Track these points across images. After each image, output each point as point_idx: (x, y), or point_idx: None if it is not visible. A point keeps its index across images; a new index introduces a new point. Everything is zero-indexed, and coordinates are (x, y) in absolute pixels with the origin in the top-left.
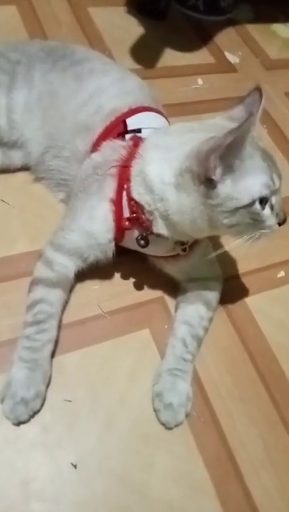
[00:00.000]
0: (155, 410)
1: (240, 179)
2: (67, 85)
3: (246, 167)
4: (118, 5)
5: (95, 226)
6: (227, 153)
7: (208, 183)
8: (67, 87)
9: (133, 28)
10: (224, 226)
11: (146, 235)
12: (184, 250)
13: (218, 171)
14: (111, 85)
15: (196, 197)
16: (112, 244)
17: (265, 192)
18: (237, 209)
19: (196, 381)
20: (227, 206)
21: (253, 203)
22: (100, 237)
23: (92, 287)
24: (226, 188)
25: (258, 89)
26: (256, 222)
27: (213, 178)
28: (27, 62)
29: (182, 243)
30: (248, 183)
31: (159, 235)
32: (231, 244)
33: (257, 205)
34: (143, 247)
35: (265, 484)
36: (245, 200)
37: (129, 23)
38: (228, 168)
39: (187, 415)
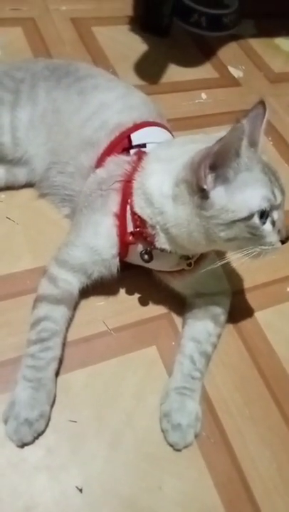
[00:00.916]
0: (163, 431)
1: (237, 191)
2: (71, 101)
3: (244, 179)
4: (121, 23)
5: (99, 242)
6: (217, 162)
7: (202, 193)
8: (72, 103)
9: (136, 45)
10: (221, 239)
11: (150, 250)
12: (189, 265)
13: (209, 179)
14: (115, 101)
15: (191, 208)
16: (117, 260)
17: (264, 205)
18: (234, 222)
19: (205, 399)
20: (223, 218)
21: (251, 216)
22: (104, 252)
23: (96, 304)
24: (220, 199)
25: (262, 103)
26: (256, 237)
27: (204, 187)
28: (31, 80)
29: (187, 258)
30: (245, 196)
31: (162, 250)
32: (231, 258)
33: (256, 219)
34: (147, 261)
35: (279, 508)
36: (243, 213)
37: (133, 40)
38: (222, 179)
39: (196, 436)
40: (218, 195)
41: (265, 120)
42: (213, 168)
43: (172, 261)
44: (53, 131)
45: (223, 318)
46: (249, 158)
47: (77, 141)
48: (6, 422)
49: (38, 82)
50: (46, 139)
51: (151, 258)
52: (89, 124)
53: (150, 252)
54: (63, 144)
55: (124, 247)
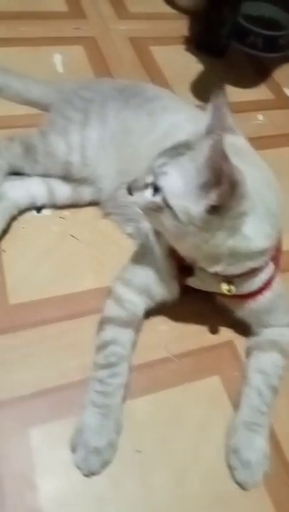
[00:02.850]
0: (231, 467)
1: None
2: (141, 122)
3: None
4: (178, 43)
5: (160, 262)
6: None
7: None
8: (142, 124)
9: (192, 65)
10: None
11: (191, 265)
12: (229, 291)
13: None
14: (185, 122)
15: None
16: (176, 282)
17: None
18: None
19: (272, 436)
20: None
21: None
22: (164, 273)
23: (159, 328)
24: None
25: (220, 91)
26: None
27: None
28: (100, 100)
29: (229, 282)
30: None
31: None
32: None
33: None
34: (186, 276)
35: None
36: None
37: (189, 60)
38: None
39: (265, 475)
40: None
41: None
42: None
43: (210, 281)
44: (123, 152)
45: None
46: None
47: (148, 161)
48: (74, 449)
49: (107, 102)
50: (116, 160)
51: (191, 273)
52: (160, 146)
53: (190, 267)
54: (134, 165)
55: (180, 267)
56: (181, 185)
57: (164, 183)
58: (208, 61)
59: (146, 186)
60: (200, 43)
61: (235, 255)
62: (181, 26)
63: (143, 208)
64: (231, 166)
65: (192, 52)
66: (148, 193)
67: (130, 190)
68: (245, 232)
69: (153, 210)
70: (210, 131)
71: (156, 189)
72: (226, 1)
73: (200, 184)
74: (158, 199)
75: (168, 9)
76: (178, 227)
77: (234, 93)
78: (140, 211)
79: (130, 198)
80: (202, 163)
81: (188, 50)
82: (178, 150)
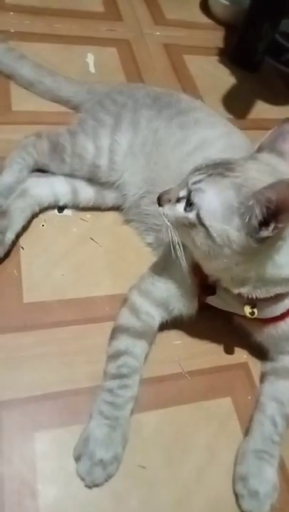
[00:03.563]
0: (237, 495)
1: None
2: (172, 134)
3: None
4: (211, 54)
5: (182, 277)
6: None
7: None
8: (173, 136)
9: (225, 77)
10: None
11: (214, 283)
12: (252, 314)
13: None
14: (218, 138)
15: None
16: (196, 299)
17: None
18: None
19: (281, 468)
20: None
21: None
22: (185, 289)
23: (173, 342)
24: None
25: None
26: None
27: None
28: (133, 106)
29: (252, 305)
30: None
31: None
32: None
33: None
34: (208, 295)
35: None
36: None
37: (221, 72)
38: None
39: (272, 507)
40: None
41: None
42: None
43: (233, 301)
44: (152, 161)
45: None
46: None
47: (177, 174)
48: (78, 459)
49: (140, 109)
50: (144, 168)
51: (213, 292)
52: (190, 159)
53: (213, 285)
54: (162, 175)
55: (202, 285)
56: (218, 207)
57: (199, 200)
58: (241, 75)
59: (178, 200)
60: (234, 55)
61: (263, 280)
62: (216, 37)
63: (173, 221)
64: None
65: (225, 65)
66: (180, 207)
67: (160, 201)
68: (277, 260)
69: (184, 225)
70: (259, 150)
71: (190, 204)
72: (267, 17)
73: (248, 215)
74: (191, 215)
75: (204, 19)
76: (210, 247)
77: (265, 109)
78: (169, 224)
79: (160, 209)
80: (259, 199)
81: (221, 61)
82: (217, 169)
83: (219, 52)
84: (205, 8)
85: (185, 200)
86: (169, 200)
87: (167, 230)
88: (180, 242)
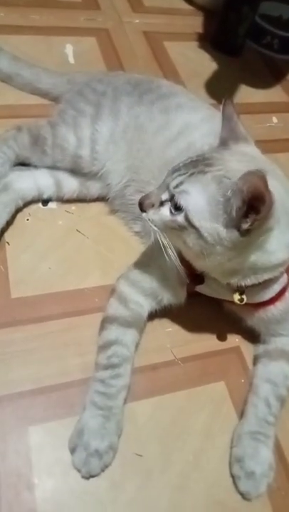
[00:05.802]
0: (234, 476)
1: None
2: (154, 119)
3: None
4: (192, 40)
5: (170, 268)
6: None
7: None
8: (155, 121)
9: (207, 63)
10: None
11: (202, 273)
12: (241, 300)
13: None
14: (201, 123)
15: None
16: (185, 288)
17: None
18: None
19: (277, 448)
20: None
21: None
22: (173, 279)
23: (164, 330)
24: None
25: (228, 102)
26: None
27: None
28: (113, 94)
29: (241, 292)
30: None
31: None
32: None
33: None
34: (196, 284)
35: None
36: None
37: (203, 57)
38: None
39: (269, 487)
40: None
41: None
42: None
43: (222, 290)
44: (134, 148)
45: None
46: None
47: (160, 160)
48: (73, 450)
49: (120, 96)
50: (126, 156)
51: (201, 281)
52: (174, 145)
53: (201, 274)
54: (145, 163)
55: (190, 273)
56: (205, 206)
57: (185, 202)
58: (223, 60)
59: (162, 203)
60: (216, 41)
61: (253, 268)
62: (196, 23)
63: (161, 225)
64: (271, 196)
65: (206, 50)
66: (165, 211)
67: (143, 207)
68: (268, 248)
69: (173, 229)
70: (224, 143)
71: (177, 207)
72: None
73: (229, 208)
74: (180, 218)
75: (183, 5)
76: (202, 246)
77: (248, 93)
78: (156, 229)
79: (144, 215)
80: (235, 191)
81: (202, 47)
82: (198, 167)
83: (200, 38)
84: None
85: (169, 203)
86: (152, 205)
87: (155, 235)
88: (170, 244)
